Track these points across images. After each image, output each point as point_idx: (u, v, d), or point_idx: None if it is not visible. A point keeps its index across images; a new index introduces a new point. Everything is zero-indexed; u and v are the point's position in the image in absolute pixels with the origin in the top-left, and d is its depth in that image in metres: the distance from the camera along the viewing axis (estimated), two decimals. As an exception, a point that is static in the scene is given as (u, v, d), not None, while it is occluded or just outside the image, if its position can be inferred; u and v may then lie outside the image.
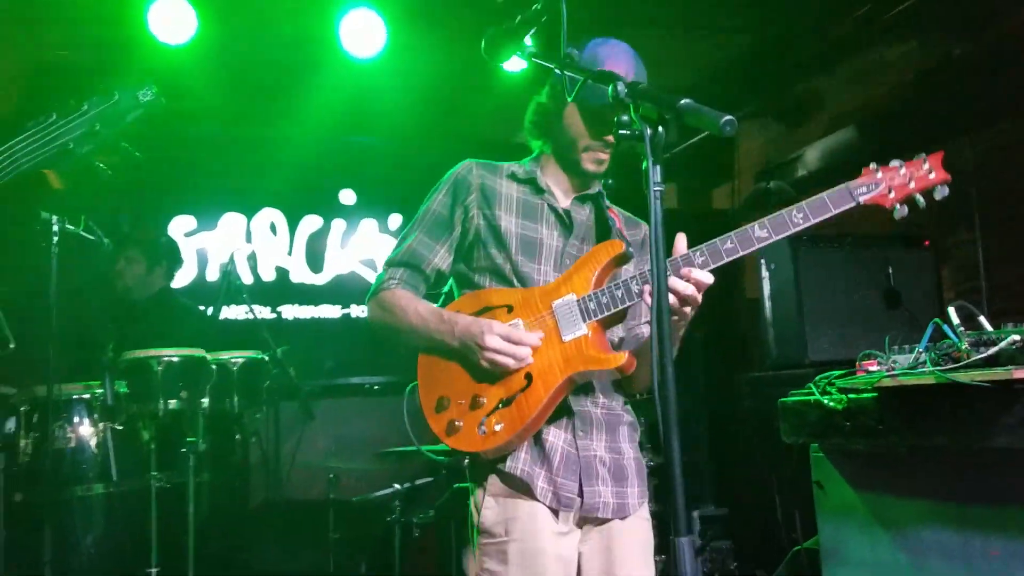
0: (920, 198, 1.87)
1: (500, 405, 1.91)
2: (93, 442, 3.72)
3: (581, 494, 1.96)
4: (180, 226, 5.94)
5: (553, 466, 1.95)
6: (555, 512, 1.95)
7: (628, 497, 2.04)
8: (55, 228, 3.62)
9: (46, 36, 4.87)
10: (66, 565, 3.53)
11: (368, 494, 3.94)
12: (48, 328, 3.50)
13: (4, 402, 3.79)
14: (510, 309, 1.99)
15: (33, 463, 3.63)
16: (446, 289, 2.17)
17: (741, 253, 1.85)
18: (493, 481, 1.97)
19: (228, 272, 4.35)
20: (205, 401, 3.74)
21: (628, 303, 1.91)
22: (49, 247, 3.58)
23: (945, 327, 2.17)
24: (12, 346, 3.79)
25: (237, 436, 4.12)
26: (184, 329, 4.19)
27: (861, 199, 1.85)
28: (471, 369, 1.95)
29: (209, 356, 3.83)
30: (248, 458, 4.28)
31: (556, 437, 1.98)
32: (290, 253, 6.10)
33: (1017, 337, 2.07)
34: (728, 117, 1.38)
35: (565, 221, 2.10)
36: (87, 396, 3.76)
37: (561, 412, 1.98)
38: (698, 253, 1.87)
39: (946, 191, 1.87)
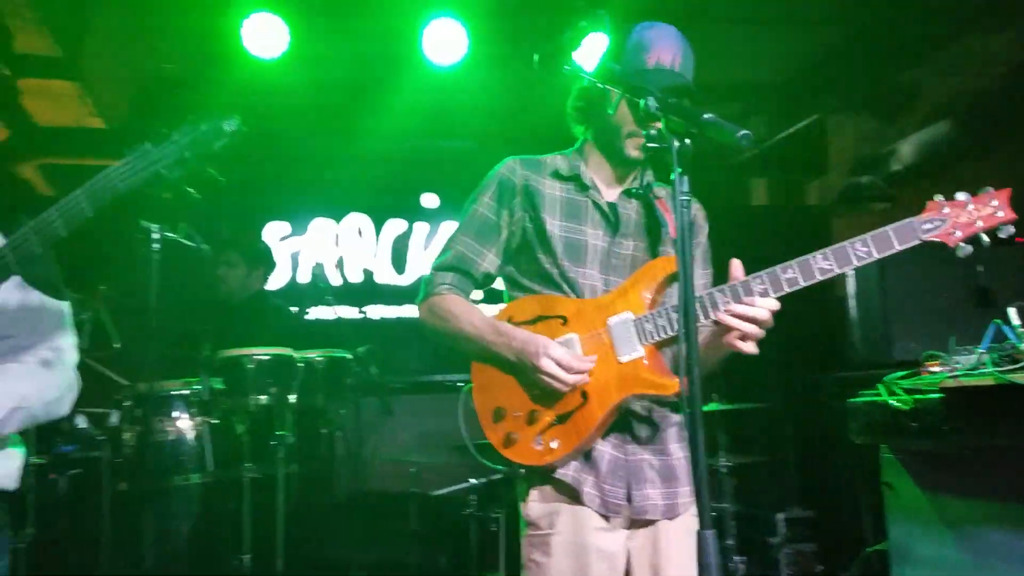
0: (985, 236, 1.83)
1: (556, 422, 1.93)
2: (191, 435, 3.95)
3: (629, 499, 1.97)
4: (274, 231, 6.25)
5: (601, 472, 1.96)
6: (604, 516, 1.97)
7: (678, 497, 2.03)
8: (155, 236, 3.89)
9: (152, 52, 5.19)
10: (165, 550, 3.77)
11: (446, 488, 4.05)
12: (149, 329, 3.77)
13: (113, 392, 4.08)
14: (565, 321, 1.98)
15: (136, 454, 3.88)
16: (507, 297, 2.16)
17: (803, 284, 1.83)
18: (543, 482, 2.00)
19: (316, 276, 4.55)
20: (292, 397, 3.94)
21: None
22: (150, 253, 3.85)
23: (1005, 328, 2.12)
24: (117, 345, 4.11)
25: (323, 430, 4.31)
26: (275, 329, 4.40)
27: (925, 236, 1.82)
28: (527, 384, 1.96)
29: (296, 355, 4.03)
30: (333, 451, 4.46)
31: (604, 444, 1.99)
32: (375, 255, 6.33)
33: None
34: (744, 131, 1.45)
35: (610, 219, 2.08)
36: (186, 392, 4.00)
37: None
38: (757, 281, 1.85)
39: (1012, 230, 1.84)
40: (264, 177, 5.91)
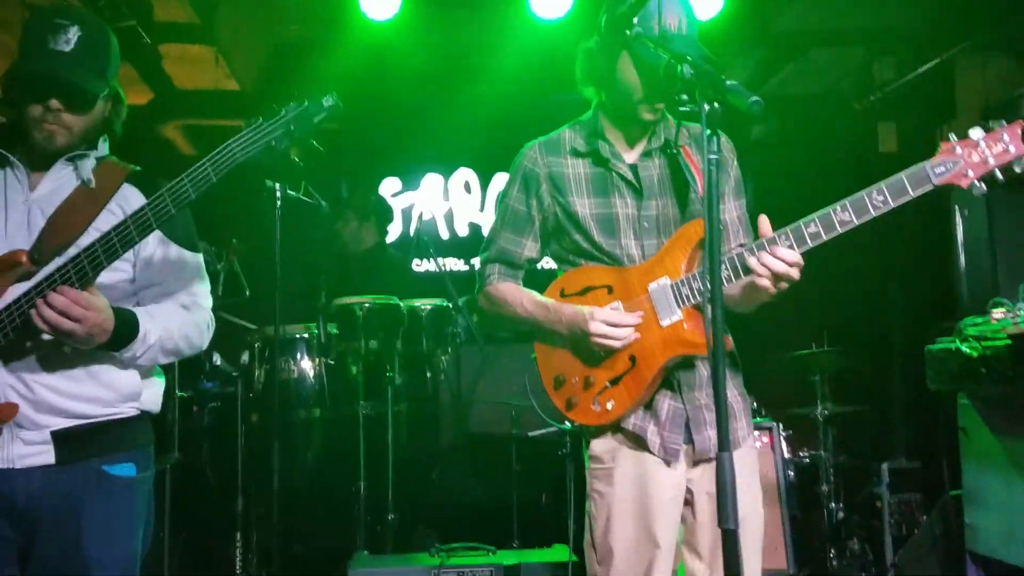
0: (999, 173, 1.84)
1: (609, 385, 2.08)
2: (311, 374, 4.36)
3: (691, 441, 2.11)
4: (388, 187, 6.56)
5: (661, 420, 2.10)
6: (665, 461, 2.10)
7: (736, 432, 2.16)
8: (278, 194, 4.23)
9: (279, 17, 5.51)
10: (292, 476, 4.16)
11: (542, 429, 4.26)
12: (275, 279, 4.13)
13: (245, 335, 4.52)
14: (610, 290, 2.12)
15: (264, 391, 4.31)
16: (558, 271, 2.29)
17: (825, 238, 1.88)
18: (607, 430, 2.16)
19: (418, 231, 4.80)
20: (399, 342, 4.27)
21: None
22: (274, 210, 4.19)
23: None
24: (248, 294, 4.51)
25: (428, 374, 4.61)
26: (385, 279, 4.72)
27: (938, 180, 1.84)
28: (580, 352, 2.13)
29: (402, 303, 4.34)
30: (438, 394, 4.76)
31: (662, 394, 2.12)
32: (482, 209, 6.56)
33: None
34: (755, 98, 1.57)
35: (635, 185, 2.17)
36: (306, 335, 4.38)
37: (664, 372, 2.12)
38: (783, 237, 1.91)
39: None
40: (379, 135, 6.18)
